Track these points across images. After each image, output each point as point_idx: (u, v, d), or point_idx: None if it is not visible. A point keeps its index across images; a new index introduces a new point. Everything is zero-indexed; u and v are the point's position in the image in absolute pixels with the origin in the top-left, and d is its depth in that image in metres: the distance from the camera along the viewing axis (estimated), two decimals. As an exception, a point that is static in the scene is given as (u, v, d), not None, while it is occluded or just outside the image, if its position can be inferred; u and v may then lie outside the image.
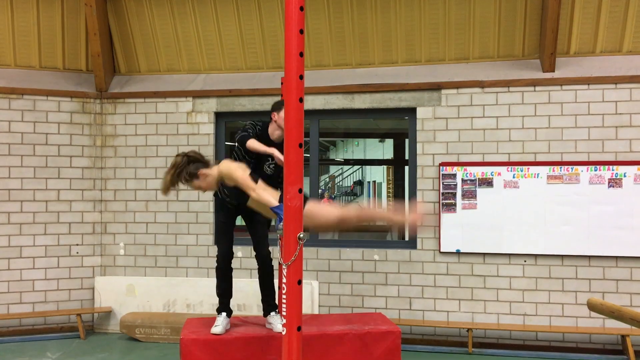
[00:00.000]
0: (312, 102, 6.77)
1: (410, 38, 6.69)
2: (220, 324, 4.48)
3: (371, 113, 6.90)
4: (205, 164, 4.23)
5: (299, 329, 2.93)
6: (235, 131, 11.50)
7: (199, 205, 6.95)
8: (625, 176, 6.07)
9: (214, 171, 4.19)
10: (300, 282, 2.96)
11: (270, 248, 4.82)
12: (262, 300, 4.78)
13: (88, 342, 6.61)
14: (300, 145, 2.83)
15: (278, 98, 5.41)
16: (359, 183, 21.02)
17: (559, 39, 6.29)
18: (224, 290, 4.72)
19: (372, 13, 6.64)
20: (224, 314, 4.60)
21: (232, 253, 4.73)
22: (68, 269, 7.00)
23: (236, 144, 4.64)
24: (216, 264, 4.73)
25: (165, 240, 7.04)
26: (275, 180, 4.44)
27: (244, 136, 4.52)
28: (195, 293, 6.82)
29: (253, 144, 4.47)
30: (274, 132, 4.62)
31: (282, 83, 4.90)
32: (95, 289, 7.06)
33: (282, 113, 4.35)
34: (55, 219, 6.95)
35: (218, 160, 4.34)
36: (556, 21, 6.04)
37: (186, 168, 4.14)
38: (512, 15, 6.42)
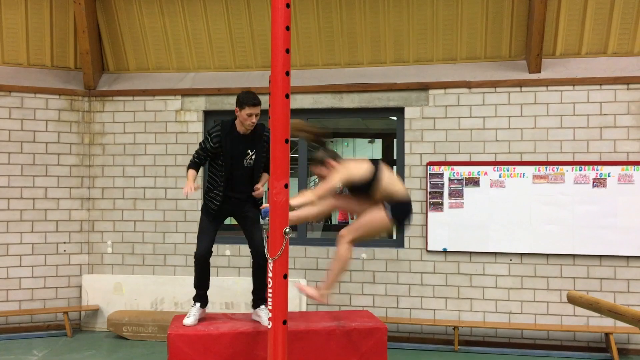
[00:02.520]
0: (301, 102, 6.80)
1: (398, 38, 6.74)
2: (192, 315, 4.53)
3: (360, 113, 6.94)
4: (334, 156, 4.44)
5: (284, 322, 2.96)
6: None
7: (187, 204, 6.95)
8: (609, 176, 6.15)
9: (335, 169, 4.33)
10: (286, 277, 2.99)
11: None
12: (253, 292, 4.79)
13: (75, 340, 6.59)
14: (287, 141, 2.87)
15: (267, 97, 5.43)
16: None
17: (545, 41, 6.36)
18: (201, 281, 4.74)
19: (360, 13, 6.69)
20: (197, 304, 4.64)
21: (211, 252, 4.75)
22: (55, 267, 6.98)
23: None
24: (194, 259, 4.74)
25: (153, 239, 7.03)
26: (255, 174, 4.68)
27: (189, 164, 4.76)
28: (183, 291, 6.81)
29: (188, 174, 4.69)
30: (240, 126, 4.64)
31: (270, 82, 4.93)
32: (82, 287, 7.04)
33: (243, 111, 4.50)
34: (42, 217, 6.93)
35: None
36: (542, 23, 6.12)
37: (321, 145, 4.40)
38: (499, 17, 6.49)
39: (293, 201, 3.85)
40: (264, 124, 4.69)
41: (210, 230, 4.74)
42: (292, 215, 4.04)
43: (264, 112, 6.80)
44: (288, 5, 2.75)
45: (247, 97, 4.51)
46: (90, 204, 7.14)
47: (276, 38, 2.78)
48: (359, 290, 6.63)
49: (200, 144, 4.74)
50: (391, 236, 7.14)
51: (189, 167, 4.71)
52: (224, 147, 4.57)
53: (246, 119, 4.52)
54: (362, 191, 4.41)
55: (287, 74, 2.79)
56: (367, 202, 4.40)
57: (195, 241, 6.56)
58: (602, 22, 6.31)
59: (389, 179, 4.35)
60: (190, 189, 4.48)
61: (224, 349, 4.30)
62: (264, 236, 3.38)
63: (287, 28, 2.78)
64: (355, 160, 4.46)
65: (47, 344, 6.42)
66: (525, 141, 6.36)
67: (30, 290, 6.86)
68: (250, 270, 4.92)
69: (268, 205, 3.85)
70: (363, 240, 4.59)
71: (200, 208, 6.77)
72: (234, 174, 4.63)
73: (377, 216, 4.31)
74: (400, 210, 4.37)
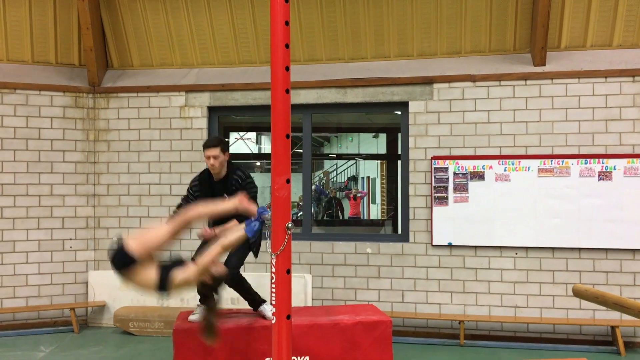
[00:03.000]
0: (305, 96, 6.80)
1: (402, 32, 6.72)
2: (198, 313, 4.61)
3: (364, 107, 6.93)
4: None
5: (288, 317, 2.97)
6: (229, 126, 11.48)
7: (192, 200, 6.96)
8: (615, 169, 6.11)
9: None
10: (289, 272, 2.99)
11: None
12: (245, 300, 4.90)
13: (82, 336, 6.63)
14: (287, 136, 2.86)
15: (269, 93, 5.43)
16: (353, 179, 21.05)
17: (550, 33, 6.33)
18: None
19: (364, 7, 6.67)
20: (204, 306, 4.67)
21: None
22: (62, 264, 7.02)
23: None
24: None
25: (158, 235, 7.04)
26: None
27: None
28: (189, 287, 6.84)
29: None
30: (212, 171, 4.78)
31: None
32: (88, 283, 7.08)
33: (206, 152, 4.66)
34: (48, 214, 6.96)
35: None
36: (547, 15, 6.07)
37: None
38: (503, 10, 6.45)
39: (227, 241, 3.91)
40: (240, 166, 4.92)
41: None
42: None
43: (258, 107, 6.87)
44: (287, 0, 2.75)
45: (204, 142, 4.79)
46: (95, 200, 7.17)
47: (275, 33, 2.77)
48: (364, 285, 6.63)
49: (182, 197, 4.98)
50: (396, 231, 7.13)
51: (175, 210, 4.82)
52: (202, 194, 4.78)
53: (206, 162, 4.73)
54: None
55: (287, 69, 2.78)
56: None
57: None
58: (607, 14, 6.26)
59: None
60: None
61: (229, 343, 4.32)
62: (265, 231, 3.44)
63: (287, 23, 2.77)
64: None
65: (54, 340, 6.46)
66: (530, 134, 6.34)
67: (37, 287, 6.90)
68: (255, 265, 4.96)
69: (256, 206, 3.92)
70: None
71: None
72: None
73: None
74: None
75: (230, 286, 4.69)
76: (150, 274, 3.70)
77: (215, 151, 4.64)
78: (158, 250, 3.83)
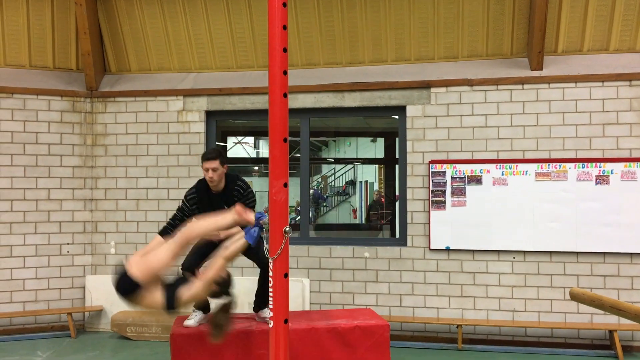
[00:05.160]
0: (303, 101, 6.80)
1: (399, 37, 6.73)
2: (193, 318, 4.61)
3: (361, 111, 6.93)
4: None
5: (285, 321, 2.96)
6: (227, 130, 11.47)
7: (189, 204, 6.96)
8: (612, 173, 6.12)
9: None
10: (286, 276, 2.99)
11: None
12: (256, 295, 4.82)
13: (79, 341, 6.61)
14: (285, 140, 2.87)
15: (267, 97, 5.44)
16: (351, 183, 21.04)
17: (547, 38, 6.35)
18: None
19: (361, 12, 6.68)
20: (200, 311, 4.68)
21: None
22: (59, 268, 7.00)
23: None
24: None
25: (156, 239, 7.03)
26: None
27: (161, 231, 4.70)
28: (186, 291, 6.82)
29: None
30: (210, 184, 4.71)
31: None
32: (86, 287, 7.06)
33: (202, 167, 4.63)
34: (45, 218, 6.95)
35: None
36: (544, 20, 6.09)
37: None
38: (500, 14, 6.47)
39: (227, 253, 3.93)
40: (237, 175, 4.84)
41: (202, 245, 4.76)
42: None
43: (255, 111, 6.86)
44: (285, 5, 2.75)
45: (203, 154, 4.74)
46: (93, 204, 7.16)
47: (273, 37, 2.78)
48: (362, 289, 6.62)
49: (177, 209, 4.83)
50: (394, 235, 7.13)
51: (160, 233, 4.66)
52: (201, 206, 4.68)
53: (205, 174, 4.67)
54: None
55: (285, 73, 2.79)
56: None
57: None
58: (604, 18, 6.29)
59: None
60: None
61: (226, 348, 4.31)
62: (264, 235, 3.39)
63: (284, 27, 2.78)
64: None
65: (51, 345, 6.44)
66: (527, 139, 6.35)
67: (34, 292, 6.88)
68: (253, 270, 4.93)
69: (254, 213, 3.90)
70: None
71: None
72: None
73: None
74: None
75: (265, 274, 4.56)
76: (157, 296, 3.73)
77: (215, 164, 4.58)
78: (161, 273, 3.83)
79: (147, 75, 7.30)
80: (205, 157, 4.64)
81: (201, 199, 4.71)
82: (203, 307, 4.73)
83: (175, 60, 7.22)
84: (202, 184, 4.79)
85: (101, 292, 7.01)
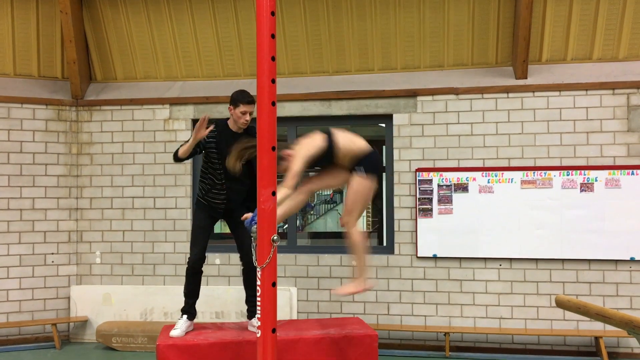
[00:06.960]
0: (290, 109, 6.81)
1: (386, 46, 6.77)
2: (179, 327, 4.48)
3: (348, 119, 6.95)
4: (286, 145, 4.26)
5: (273, 330, 2.95)
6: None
7: (176, 213, 6.92)
8: (596, 180, 6.19)
9: (294, 155, 4.14)
10: (274, 285, 2.98)
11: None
12: (246, 302, 4.78)
13: (64, 352, 6.52)
14: (274, 149, 2.86)
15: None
16: (339, 191, 21.05)
17: (531, 47, 6.41)
18: (191, 290, 4.70)
19: (348, 21, 6.71)
20: (184, 317, 4.58)
21: (205, 257, 4.69)
22: (43, 278, 6.91)
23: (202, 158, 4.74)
24: (187, 265, 4.69)
25: (142, 249, 6.99)
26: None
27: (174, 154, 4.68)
28: (173, 301, 6.75)
29: (181, 149, 4.58)
30: (233, 125, 4.62)
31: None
32: (71, 298, 6.98)
33: (237, 109, 4.50)
34: (30, 228, 6.87)
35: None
36: (528, 29, 6.17)
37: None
38: (485, 24, 6.54)
39: None
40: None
41: (204, 234, 4.69)
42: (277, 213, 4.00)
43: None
44: (273, 13, 2.76)
45: (242, 95, 4.52)
46: (78, 214, 7.09)
47: (261, 46, 2.78)
48: (350, 298, 6.60)
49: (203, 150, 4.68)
50: (382, 243, 7.14)
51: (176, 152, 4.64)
52: (220, 144, 4.53)
53: (240, 117, 4.51)
54: (327, 162, 4.37)
55: (273, 81, 2.79)
56: (338, 171, 4.41)
57: (185, 250, 6.54)
58: (587, 28, 6.37)
59: (344, 139, 4.31)
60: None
61: (213, 358, 4.27)
62: (252, 244, 3.35)
63: (273, 36, 2.79)
64: (306, 136, 4.35)
65: (36, 356, 6.35)
66: (512, 147, 6.40)
67: (18, 302, 6.79)
68: (241, 279, 4.89)
69: (250, 215, 3.84)
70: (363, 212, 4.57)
71: (189, 217, 6.81)
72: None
73: (358, 187, 4.30)
74: (370, 163, 4.34)
75: (250, 272, 4.56)
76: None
77: (253, 108, 4.44)
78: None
79: (133, 84, 7.27)
80: (247, 100, 4.48)
81: (220, 137, 4.55)
82: (190, 311, 4.67)
83: (162, 68, 7.20)
84: (221, 123, 4.65)
85: (86, 302, 6.93)
